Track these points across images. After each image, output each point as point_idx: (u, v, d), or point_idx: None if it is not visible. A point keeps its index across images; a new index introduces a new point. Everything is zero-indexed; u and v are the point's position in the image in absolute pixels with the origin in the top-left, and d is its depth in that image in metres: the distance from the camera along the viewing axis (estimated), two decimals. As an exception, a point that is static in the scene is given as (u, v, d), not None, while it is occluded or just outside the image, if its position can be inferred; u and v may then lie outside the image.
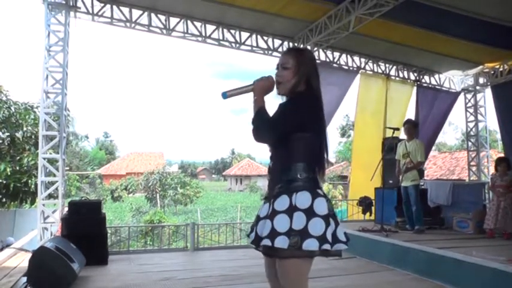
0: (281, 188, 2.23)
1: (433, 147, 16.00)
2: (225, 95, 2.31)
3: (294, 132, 2.23)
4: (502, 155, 11.28)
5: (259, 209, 2.39)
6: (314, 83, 2.35)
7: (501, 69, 10.65)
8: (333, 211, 2.25)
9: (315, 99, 2.32)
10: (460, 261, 4.91)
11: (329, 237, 2.14)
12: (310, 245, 2.09)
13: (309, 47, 9.23)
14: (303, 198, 2.17)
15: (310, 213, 2.14)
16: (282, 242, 2.09)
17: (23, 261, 5.61)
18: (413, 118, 10.18)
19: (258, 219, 2.31)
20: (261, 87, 2.32)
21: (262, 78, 2.35)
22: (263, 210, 2.30)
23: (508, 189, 6.46)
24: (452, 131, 39.03)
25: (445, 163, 23.87)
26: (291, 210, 2.15)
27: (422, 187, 7.99)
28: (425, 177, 10.24)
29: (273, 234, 2.11)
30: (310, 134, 2.26)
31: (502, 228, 6.37)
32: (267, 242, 2.12)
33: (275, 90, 2.37)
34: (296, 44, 9.48)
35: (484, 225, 6.55)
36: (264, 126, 2.26)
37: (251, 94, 2.33)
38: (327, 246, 2.13)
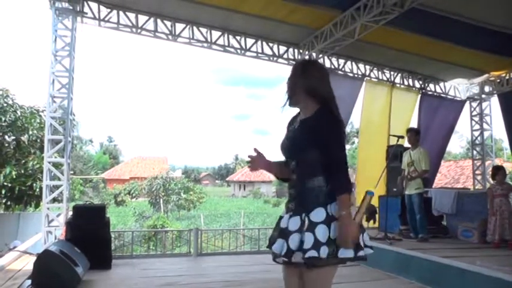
0: (314, 202, 2.28)
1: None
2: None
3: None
4: (509, 163, 11.24)
5: (281, 220, 2.41)
6: (326, 94, 2.40)
7: (507, 77, 10.62)
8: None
9: (337, 113, 2.39)
10: (464, 271, 4.89)
11: (362, 243, 2.26)
12: (345, 253, 2.19)
13: (314, 54, 9.27)
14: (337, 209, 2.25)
15: None
16: (324, 252, 2.17)
17: (27, 264, 5.63)
18: (415, 126, 10.17)
19: (286, 231, 2.31)
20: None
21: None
22: (292, 223, 2.31)
23: (507, 197, 6.45)
24: (457, 139, 38.85)
25: (450, 171, 23.77)
26: (329, 220, 2.23)
27: (427, 195, 7.96)
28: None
29: (318, 245, 2.18)
30: None
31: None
32: (313, 253, 2.17)
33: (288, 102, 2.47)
34: (301, 51, 9.51)
35: (490, 237, 6.50)
36: (343, 173, 2.31)
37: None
38: (361, 253, 2.24)
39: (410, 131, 7.35)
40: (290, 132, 2.48)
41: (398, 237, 7.05)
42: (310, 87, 2.37)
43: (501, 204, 6.42)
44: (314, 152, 2.28)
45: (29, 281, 4.77)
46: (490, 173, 7.53)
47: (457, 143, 40.23)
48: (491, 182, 7.13)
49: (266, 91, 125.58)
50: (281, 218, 2.42)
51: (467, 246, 6.56)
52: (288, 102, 2.44)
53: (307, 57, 9.38)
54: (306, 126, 2.37)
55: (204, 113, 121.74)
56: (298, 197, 2.36)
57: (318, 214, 2.24)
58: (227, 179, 60.71)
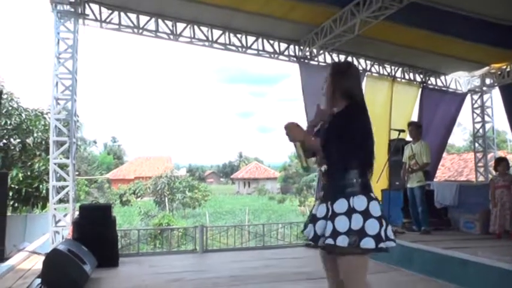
0: (339, 193, 2.47)
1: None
2: None
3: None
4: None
5: (313, 208, 2.66)
6: (354, 93, 2.68)
7: (508, 69, 10.62)
8: (383, 212, 2.51)
9: (363, 109, 2.68)
10: (466, 262, 4.96)
11: (383, 236, 2.40)
12: (367, 243, 2.35)
13: (314, 50, 9.32)
14: (359, 202, 2.44)
15: (366, 214, 2.41)
16: (342, 241, 2.35)
17: (36, 263, 5.74)
18: (417, 119, 10.20)
19: (315, 218, 2.59)
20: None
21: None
22: (320, 210, 2.56)
23: (508, 188, 6.48)
24: (460, 132, 38.70)
25: (453, 164, 23.72)
26: (350, 212, 2.41)
27: (429, 188, 8.00)
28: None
29: (335, 234, 2.38)
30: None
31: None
32: (330, 241, 2.39)
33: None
34: (302, 48, 9.56)
35: (493, 228, 6.55)
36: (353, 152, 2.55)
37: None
38: (382, 245, 2.39)
39: (411, 124, 7.41)
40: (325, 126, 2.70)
41: (401, 230, 7.11)
42: (343, 91, 2.65)
43: (502, 196, 6.46)
44: (343, 145, 2.48)
45: (39, 280, 4.87)
46: (493, 164, 7.56)
47: (460, 136, 40.08)
48: (494, 173, 7.16)
49: (268, 88, 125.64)
50: (314, 205, 2.66)
51: (469, 238, 6.61)
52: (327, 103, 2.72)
53: (309, 52, 9.45)
54: (336, 119, 2.61)
55: (207, 111, 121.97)
56: (326, 186, 2.61)
57: (341, 205, 2.44)
58: (231, 176, 60.80)
